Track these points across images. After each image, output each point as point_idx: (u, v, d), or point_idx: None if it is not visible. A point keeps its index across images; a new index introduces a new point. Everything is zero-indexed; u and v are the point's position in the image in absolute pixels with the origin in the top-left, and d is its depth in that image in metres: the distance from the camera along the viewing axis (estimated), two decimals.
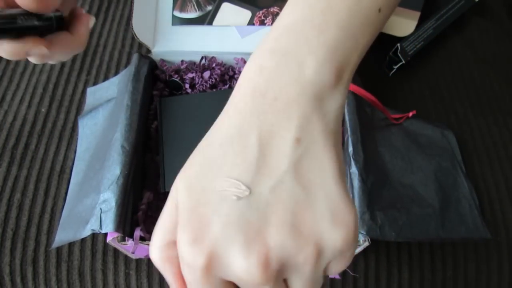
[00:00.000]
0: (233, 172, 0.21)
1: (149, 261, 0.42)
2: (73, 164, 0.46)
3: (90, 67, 0.54)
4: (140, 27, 0.49)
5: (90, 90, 0.51)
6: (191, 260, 0.20)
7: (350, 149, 0.40)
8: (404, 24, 0.53)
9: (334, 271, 0.22)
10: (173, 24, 0.51)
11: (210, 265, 0.20)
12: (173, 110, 0.45)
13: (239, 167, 0.21)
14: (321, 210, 0.21)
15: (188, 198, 0.22)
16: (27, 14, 0.27)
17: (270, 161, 0.21)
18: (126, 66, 0.53)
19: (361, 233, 0.36)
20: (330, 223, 0.21)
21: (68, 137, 0.48)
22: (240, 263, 0.20)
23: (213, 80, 0.49)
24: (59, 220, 0.42)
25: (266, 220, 0.20)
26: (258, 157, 0.21)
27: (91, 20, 0.33)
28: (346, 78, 0.24)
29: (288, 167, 0.21)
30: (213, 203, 0.21)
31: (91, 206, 0.37)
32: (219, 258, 0.20)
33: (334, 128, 0.23)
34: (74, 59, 0.54)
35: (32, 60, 0.30)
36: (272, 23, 0.51)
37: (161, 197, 0.42)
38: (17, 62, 0.54)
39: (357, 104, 0.43)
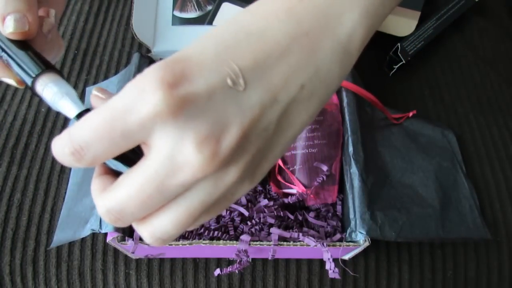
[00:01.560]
0: (243, 62, 0.20)
1: (149, 261, 0.42)
2: None
3: (90, 67, 0.54)
4: (140, 27, 0.49)
5: (89, 90, 0.51)
6: (151, 99, 0.18)
7: (350, 149, 0.40)
8: (404, 24, 0.53)
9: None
10: (173, 24, 0.51)
11: (168, 113, 0.18)
12: None
13: (250, 62, 0.20)
14: (263, 156, 0.21)
15: (189, 49, 0.20)
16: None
17: (275, 80, 0.20)
18: (126, 66, 0.53)
19: (361, 233, 0.36)
20: (251, 176, 0.21)
21: None
22: (194, 134, 0.18)
23: None
24: (58, 220, 0.42)
25: (239, 120, 0.19)
26: (269, 68, 0.20)
27: (51, 15, 0.29)
28: (363, 46, 0.23)
29: (282, 100, 0.21)
30: (207, 68, 0.19)
31: (91, 206, 0.37)
32: (181, 115, 0.18)
33: (327, 97, 0.23)
34: (74, 59, 0.54)
35: None
36: None
37: None
38: None
39: (357, 104, 0.43)
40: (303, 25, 0.21)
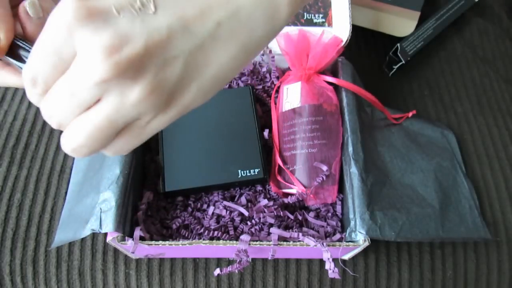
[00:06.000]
0: None
1: (149, 261, 0.42)
2: (73, 163, 0.46)
3: None
4: None
5: None
6: (65, 9, 0.20)
7: (350, 149, 0.40)
8: (404, 24, 0.53)
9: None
10: None
11: (78, 19, 0.20)
12: None
13: None
14: (177, 87, 0.22)
15: None
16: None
17: (188, 9, 0.22)
18: None
19: (361, 233, 0.36)
20: (164, 106, 0.22)
21: None
22: (98, 40, 0.20)
23: None
24: (59, 220, 0.42)
25: (143, 37, 0.21)
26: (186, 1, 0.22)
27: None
28: (295, 6, 0.24)
29: (196, 32, 0.22)
30: None
31: (91, 205, 0.37)
32: (90, 23, 0.20)
33: (250, 44, 0.23)
34: None
35: None
36: None
37: (161, 197, 0.42)
38: None
39: (357, 104, 0.43)
40: None
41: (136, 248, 0.36)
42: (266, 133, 0.44)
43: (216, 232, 0.39)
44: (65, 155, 0.47)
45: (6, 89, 0.51)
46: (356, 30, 0.49)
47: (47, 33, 0.21)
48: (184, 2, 0.22)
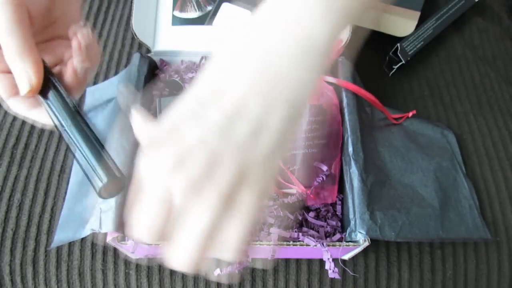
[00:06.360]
0: (213, 117, 0.22)
1: (149, 261, 0.42)
2: (72, 163, 0.46)
3: None
4: (140, 27, 0.49)
5: (89, 90, 0.51)
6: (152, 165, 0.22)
7: (350, 149, 0.40)
8: (404, 24, 0.53)
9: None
10: (173, 24, 0.52)
11: (162, 169, 0.21)
12: None
13: (221, 115, 0.22)
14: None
15: (164, 119, 0.23)
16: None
17: (252, 114, 0.22)
18: (126, 66, 0.53)
19: (361, 233, 0.36)
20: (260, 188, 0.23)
21: None
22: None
23: None
24: (59, 220, 0.42)
25: (230, 156, 0.22)
26: (242, 108, 0.22)
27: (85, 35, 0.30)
28: (335, 38, 0.24)
29: (272, 123, 0.22)
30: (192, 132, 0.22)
31: (91, 205, 0.37)
32: (176, 169, 0.21)
33: (307, 99, 0.23)
34: None
35: None
36: None
37: None
38: None
39: (357, 104, 0.43)
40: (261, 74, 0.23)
41: (136, 248, 0.36)
42: None
43: None
44: (65, 155, 0.47)
45: None
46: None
47: (148, 195, 0.22)
48: (246, 110, 0.22)
